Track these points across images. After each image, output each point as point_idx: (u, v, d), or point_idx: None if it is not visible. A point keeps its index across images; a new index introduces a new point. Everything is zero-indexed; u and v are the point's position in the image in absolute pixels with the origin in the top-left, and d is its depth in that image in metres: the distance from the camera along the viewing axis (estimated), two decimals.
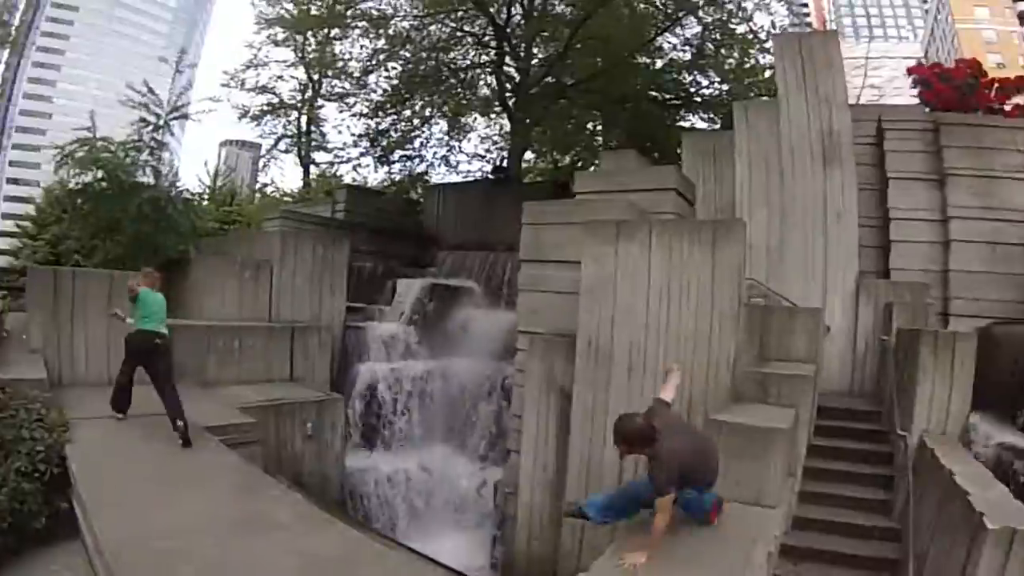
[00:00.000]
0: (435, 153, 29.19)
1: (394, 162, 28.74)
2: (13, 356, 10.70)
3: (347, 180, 34.29)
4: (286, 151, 36.60)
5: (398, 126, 27.71)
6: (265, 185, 39.19)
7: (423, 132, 28.38)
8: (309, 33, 33.60)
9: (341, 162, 34.40)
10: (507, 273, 18.82)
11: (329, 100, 34.58)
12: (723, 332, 9.26)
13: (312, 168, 37.60)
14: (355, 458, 14.57)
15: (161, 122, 18.55)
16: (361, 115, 29.37)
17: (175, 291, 15.17)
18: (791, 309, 12.06)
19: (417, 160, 29.13)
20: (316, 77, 35.05)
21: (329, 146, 36.26)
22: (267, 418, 11.86)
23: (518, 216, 14.05)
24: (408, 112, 27.50)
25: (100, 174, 16.99)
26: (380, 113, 28.03)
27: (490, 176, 28.20)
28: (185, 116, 20.43)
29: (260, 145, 53.94)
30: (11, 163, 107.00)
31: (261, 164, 37.48)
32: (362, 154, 28.84)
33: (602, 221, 10.31)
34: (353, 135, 30.30)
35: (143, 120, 18.44)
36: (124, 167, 17.23)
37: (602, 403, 9.84)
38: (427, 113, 27.77)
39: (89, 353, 11.57)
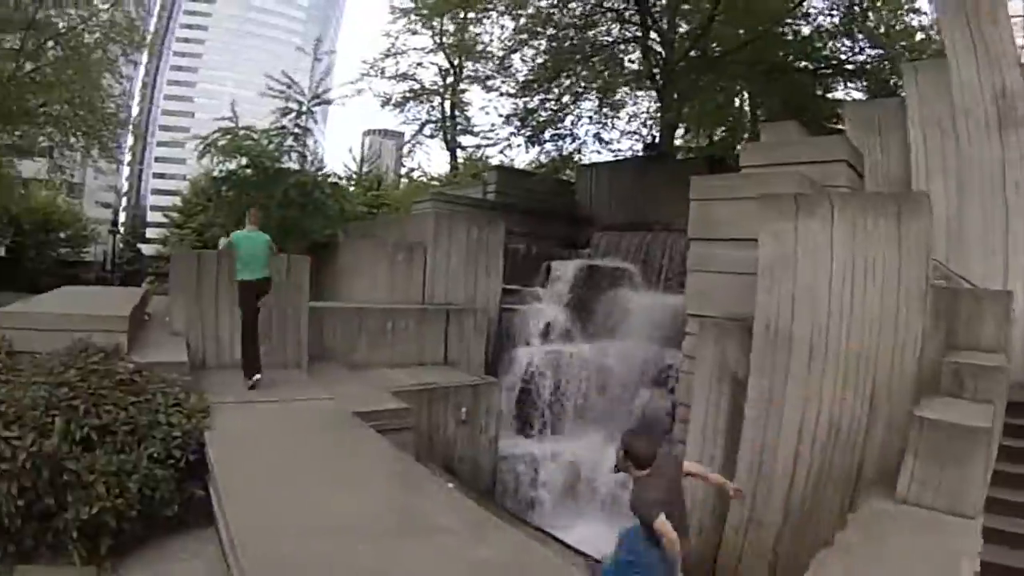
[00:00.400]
0: (587, 131, 28.65)
1: (545, 141, 27.99)
2: (154, 339, 10.27)
3: (494, 162, 34.26)
4: (431, 136, 37.15)
5: (547, 104, 26.98)
6: (412, 170, 39.70)
7: (574, 109, 27.58)
8: (446, 18, 33.93)
9: (488, 144, 34.63)
10: (665, 254, 18.13)
11: (473, 83, 34.72)
12: (910, 315, 8.44)
13: (458, 152, 37.80)
14: (508, 443, 14.25)
15: (304, 108, 18.65)
16: (508, 95, 29.13)
17: (323, 274, 15.61)
18: (977, 291, 10.84)
19: (569, 139, 28.37)
20: (456, 61, 35.26)
21: (475, 129, 36.63)
22: (420, 402, 11.74)
23: (672, 194, 13.40)
24: (556, 90, 26.68)
25: (244, 161, 17.31)
26: (528, 92, 27.44)
27: (642, 154, 27.23)
28: (327, 101, 20.84)
29: (403, 134, 55.12)
30: (157, 159, 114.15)
31: (406, 150, 37.96)
32: (512, 134, 28.45)
33: (779, 195, 9.51)
34: (501, 115, 29.78)
35: (286, 108, 18.61)
36: (268, 153, 17.53)
37: (779, 392, 9.06)
38: (577, 89, 26.87)
39: (233, 336, 10.90)
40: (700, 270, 11.74)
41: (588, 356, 15.88)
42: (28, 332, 8.07)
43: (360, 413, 9.03)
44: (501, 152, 31.17)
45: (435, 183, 37.73)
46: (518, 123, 27.80)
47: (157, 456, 6.62)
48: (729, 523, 9.52)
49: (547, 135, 27.63)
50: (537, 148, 28.88)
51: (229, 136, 17.55)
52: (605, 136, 29.16)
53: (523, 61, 28.49)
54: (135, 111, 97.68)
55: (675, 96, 23.87)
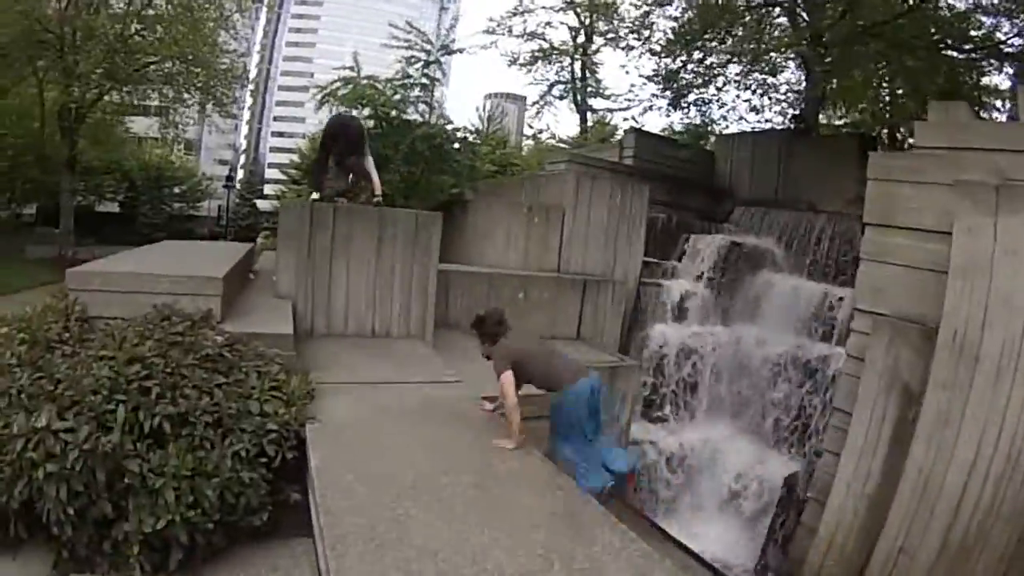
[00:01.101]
0: (736, 97, 27.02)
1: (688, 106, 26.66)
2: (256, 303, 9.21)
3: (624, 127, 33.37)
4: (560, 98, 36.39)
5: (689, 67, 25.51)
6: (540, 131, 38.82)
7: (721, 73, 25.86)
8: None
9: (621, 109, 33.80)
10: (813, 237, 17.03)
11: (606, 44, 33.66)
12: None
13: (588, 115, 36.86)
14: (635, 427, 13.22)
15: (432, 58, 17.87)
16: (652, 52, 27.52)
17: (450, 235, 14.66)
18: None
19: (716, 104, 26.90)
20: (588, 21, 34.40)
21: (606, 92, 35.71)
22: None
23: (818, 172, 12.22)
24: (700, 52, 25.14)
25: (366, 112, 16.67)
26: (670, 52, 25.86)
27: (789, 126, 25.53)
28: (456, 51, 20.14)
29: (525, 97, 54.54)
30: (276, 118, 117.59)
31: (534, 111, 37.13)
32: (654, 95, 27.17)
33: (977, 183, 8.43)
34: (641, 76, 28.46)
35: (412, 58, 17.83)
36: (393, 103, 16.91)
37: (957, 411, 8.04)
38: (724, 54, 25.23)
39: (350, 301, 9.98)
40: (875, 260, 10.36)
41: (725, 340, 15.03)
42: (105, 295, 7.15)
43: (491, 398, 7.69)
44: (635, 116, 30.26)
45: (563, 146, 36.99)
46: (661, 84, 26.44)
47: (245, 455, 5.45)
48: (877, 551, 8.65)
49: (691, 99, 26.25)
50: (679, 112, 27.68)
51: (351, 86, 17.07)
52: (756, 103, 27.46)
53: (664, 19, 27.00)
54: (253, 70, 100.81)
55: (826, 67, 22.03)
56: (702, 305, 15.58)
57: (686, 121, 28.55)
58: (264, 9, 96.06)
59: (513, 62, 35.31)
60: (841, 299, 13.84)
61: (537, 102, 36.67)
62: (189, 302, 7.20)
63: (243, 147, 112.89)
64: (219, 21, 32.28)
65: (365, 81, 17.15)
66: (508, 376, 6.45)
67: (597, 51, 35.40)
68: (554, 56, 35.35)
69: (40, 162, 33.07)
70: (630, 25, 29.57)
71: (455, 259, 14.90)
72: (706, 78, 25.40)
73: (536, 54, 34.97)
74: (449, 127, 18.07)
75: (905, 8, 19.74)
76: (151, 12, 30.54)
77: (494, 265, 14.39)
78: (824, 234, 16.84)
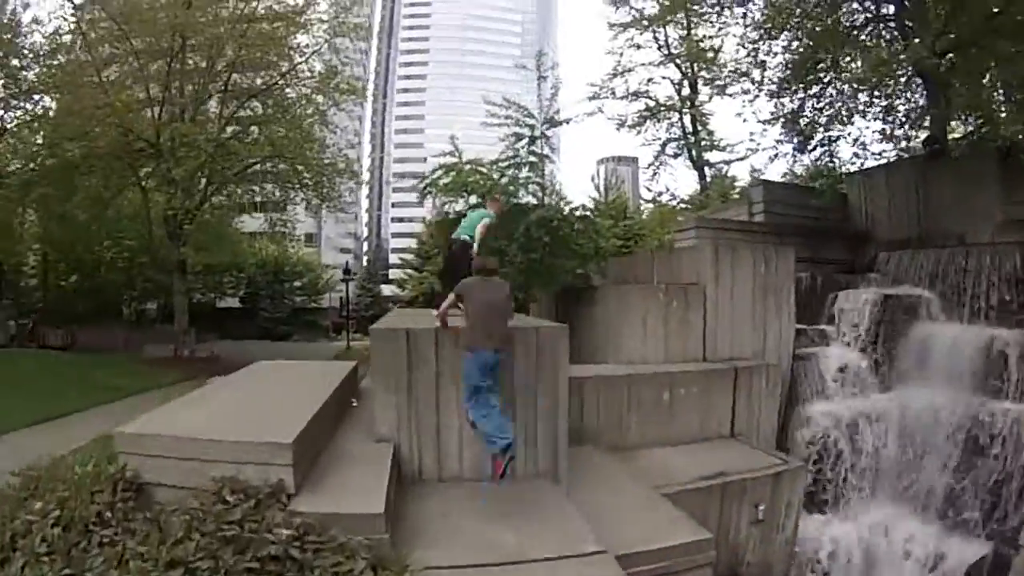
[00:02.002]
0: (867, 127, 25.66)
1: (814, 147, 25.26)
2: (347, 452, 7.94)
3: (742, 177, 33.01)
4: (675, 155, 35.66)
5: (809, 103, 24.69)
6: (660, 194, 38.26)
7: (847, 103, 24.33)
8: (669, 27, 33.61)
9: (740, 159, 33.88)
10: (968, 275, 15.95)
11: (713, 93, 33.30)
12: None
13: (706, 169, 36.38)
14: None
15: (536, 133, 17.06)
16: (769, 94, 26.50)
17: (580, 327, 14.15)
18: None
19: (846, 139, 25.07)
20: (690, 72, 34.26)
21: (721, 143, 35.23)
22: (708, 503, 9.93)
23: (961, 197, 11.44)
24: (817, 86, 24.33)
25: (473, 199, 16.09)
26: (785, 91, 25.13)
27: (919, 153, 23.86)
28: (562, 122, 18.27)
29: (636, 159, 54.34)
30: (394, 204, 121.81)
31: (650, 172, 36.54)
32: (779, 141, 25.79)
33: None
34: (760, 122, 27.44)
35: (515, 135, 17.17)
36: (501, 187, 16.29)
37: None
38: (848, 77, 24.01)
39: (464, 438, 8.56)
40: None
41: (887, 409, 14.15)
42: (158, 460, 6.31)
43: (639, 555, 7.16)
44: (753, 165, 29.34)
45: (684, 206, 36.49)
46: (783, 127, 25.44)
47: None
48: None
49: (818, 138, 24.95)
50: (807, 156, 26.14)
51: (453, 172, 16.58)
52: (888, 131, 24.94)
53: (770, 55, 26.45)
54: (367, 160, 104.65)
55: (944, 77, 20.80)
56: (860, 371, 14.82)
57: (807, 163, 27.48)
58: (370, 100, 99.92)
59: (621, 125, 34.87)
60: (1007, 345, 13.11)
61: (652, 163, 35.72)
62: (255, 472, 6.11)
63: (364, 235, 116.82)
64: (316, 117, 33.64)
65: (468, 166, 16.69)
66: (448, 299, 8.33)
67: (704, 102, 35.00)
68: (662, 113, 34.94)
69: (154, 263, 35.15)
70: (737, 67, 29.34)
71: (587, 356, 13.92)
72: (830, 113, 24.35)
73: (643, 114, 34.66)
74: (567, 207, 17.42)
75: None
76: (247, 112, 32.43)
77: (631, 359, 13.32)
78: (980, 270, 15.73)
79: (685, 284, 14.28)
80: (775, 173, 30.23)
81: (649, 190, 36.75)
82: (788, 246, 15.45)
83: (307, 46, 32.88)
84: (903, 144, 24.61)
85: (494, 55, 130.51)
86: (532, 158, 17.07)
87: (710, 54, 32.15)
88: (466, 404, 8.01)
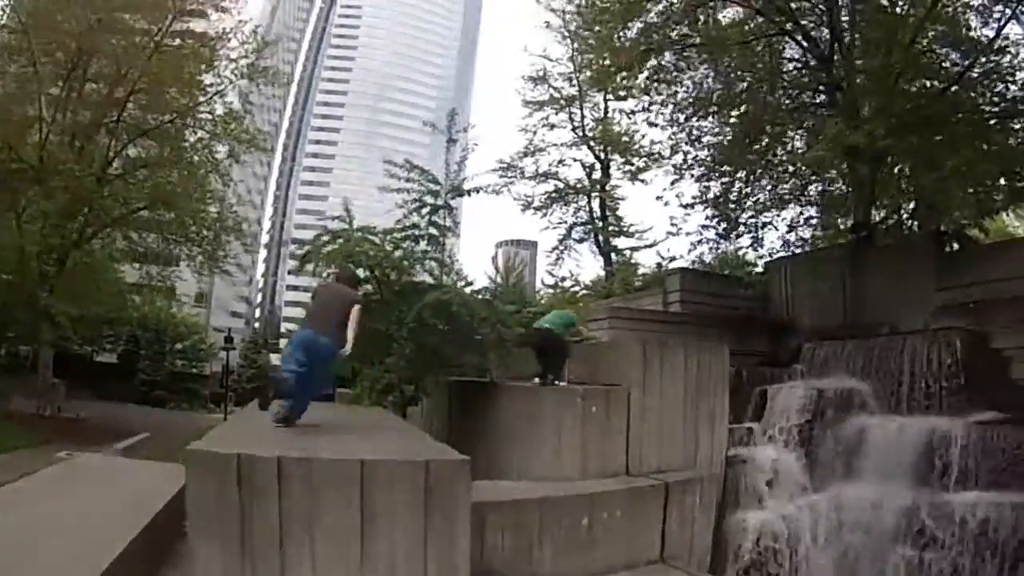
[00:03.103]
0: (799, 214, 25.29)
1: (741, 234, 24.97)
2: None
3: (646, 264, 33.64)
4: (580, 240, 35.37)
5: (737, 187, 24.45)
6: (562, 279, 37.07)
7: (773, 188, 24.64)
8: (586, 109, 33.75)
9: (647, 245, 33.91)
10: (904, 365, 15.37)
11: (630, 179, 33.55)
12: None
13: (612, 256, 35.72)
14: None
15: (440, 201, 14.57)
16: (695, 177, 26.05)
17: (480, 432, 12.07)
18: None
19: (773, 226, 25.17)
20: (603, 155, 34.09)
21: (630, 228, 34.97)
22: None
23: (892, 285, 10.70)
24: (743, 172, 24.07)
25: (361, 273, 13.31)
26: (715, 171, 24.72)
27: (846, 240, 23.17)
28: (472, 191, 15.60)
29: (536, 243, 53.85)
30: (290, 271, 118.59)
31: (554, 257, 35.58)
32: (704, 226, 25.47)
33: None
34: (682, 206, 26.55)
35: (416, 200, 14.54)
36: (394, 262, 13.87)
37: None
38: (767, 167, 24.13)
39: None
40: None
41: (825, 511, 13.06)
42: None
43: None
44: (663, 253, 28.81)
45: (586, 292, 35.60)
46: (715, 210, 24.94)
47: None
48: None
49: (743, 224, 24.63)
50: (731, 242, 25.85)
51: (340, 239, 13.78)
52: (815, 220, 25.80)
53: (698, 139, 26.16)
54: (267, 222, 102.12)
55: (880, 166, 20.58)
56: (794, 472, 13.82)
57: (721, 251, 26.93)
58: (278, 160, 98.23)
59: (527, 206, 34.59)
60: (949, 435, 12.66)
61: (556, 247, 35.15)
62: None
63: (258, 300, 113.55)
64: (210, 166, 31.03)
65: (358, 234, 13.86)
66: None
67: (618, 186, 34.96)
68: (570, 196, 34.72)
69: (26, 304, 31.26)
70: (660, 150, 29.19)
71: (488, 471, 10.61)
72: (761, 198, 24.30)
73: (552, 195, 34.43)
74: (468, 288, 15.10)
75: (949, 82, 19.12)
76: (138, 151, 29.87)
77: (543, 475, 10.87)
78: (916, 360, 15.23)
79: (607, 386, 12.18)
80: (686, 261, 29.35)
81: (552, 275, 35.78)
82: (709, 338, 14.62)
83: (211, 85, 30.39)
84: (830, 231, 24.36)
85: (406, 122, 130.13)
86: (432, 230, 14.61)
87: (625, 138, 32.17)
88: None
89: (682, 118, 25.75)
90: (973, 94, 19.67)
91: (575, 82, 33.57)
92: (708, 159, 25.16)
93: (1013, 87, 19.48)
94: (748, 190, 24.16)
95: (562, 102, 33.79)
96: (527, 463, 11.20)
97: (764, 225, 24.67)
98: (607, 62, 24.57)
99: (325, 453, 6.34)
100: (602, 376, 12.69)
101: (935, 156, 18.06)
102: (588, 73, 30.02)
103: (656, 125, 27.11)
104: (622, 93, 28.59)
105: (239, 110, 32.11)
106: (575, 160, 35.15)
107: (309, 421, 8.40)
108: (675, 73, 24.19)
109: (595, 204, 34.87)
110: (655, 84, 24.77)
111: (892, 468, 13.07)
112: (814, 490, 13.68)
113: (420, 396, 15.26)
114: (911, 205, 22.30)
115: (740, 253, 27.17)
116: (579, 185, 34.74)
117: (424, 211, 14.46)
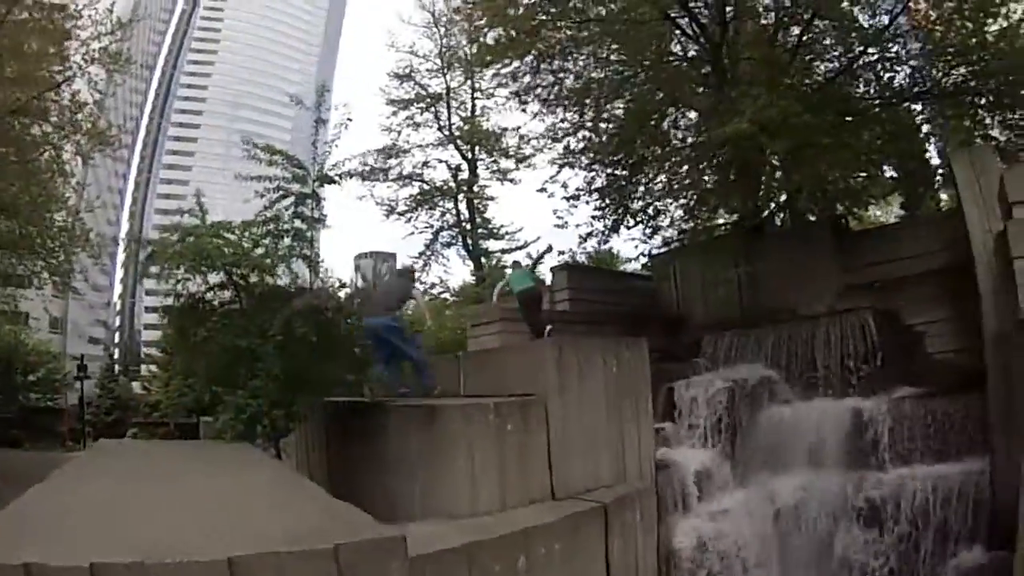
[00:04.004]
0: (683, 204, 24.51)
1: (635, 224, 23.75)
2: None
3: (511, 260, 31.67)
4: (448, 244, 34.68)
5: (624, 174, 23.07)
6: (432, 286, 35.57)
7: (662, 180, 23.24)
8: (453, 107, 33.48)
9: (520, 247, 33.42)
10: (816, 348, 15.31)
11: (499, 179, 33.51)
12: None
13: (483, 259, 34.89)
14: None
15: (308, 188, 12.05)
16: (582, 166, 24.24)
17: (366, 466, 10.51)
18: None
19: (663, 214, 23.89)
20: (470, 155, 33.69)
21: (500, 230, 34.65)
22: None
23: (789, 272, 11.49)
24: (634, 158, 22.48)
25: (216, 277, 11.62)
26: (608, 158, 22.93)
27: (736, 228, 22.29)
28: (337, 179, 12.58)
29: (395, 254, 52.78)
30: (147, 292, 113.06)
31: (421, 263, 34.35)
32: (594, 217, 23.57)
33: None
34: (566, 198, 25.24)
35: (278, 188, 11.98)
36: (255, 261, 11.51)
37: None
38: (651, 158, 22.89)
39: None
40: None
41: (758, 504, 12.51)
42: None
43: None
44: (584, 240, 27.71)
45: (457, 299, 34.54)
46: (600, 200, 23.43)
47: None
48: None
49: (641, 213, 23.44)
50: (622, 233, 24.38)
51: (190, 237, 11.34)
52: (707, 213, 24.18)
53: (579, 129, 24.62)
54: (123, 236, 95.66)
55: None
56: (717, 471, 13.20)
57: (594, 245, 25.97)
58: (136, 164, 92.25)
59: (391, 211, 33.76)
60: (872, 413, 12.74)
61: (423, 252, 34.20)
62: None
63: (116, 324, 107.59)
64: (57, 167, 26.17)
65: (211, 229, 11.58)
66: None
67: (485, 186, 34.54)
68: (436, 198, 34.10)
69: None
70: (540, 138, 27.62)
71: (385, 512, 7.63)
72: (658, 185, 23.29)
73: (417, 198, 33.72)
74: (342, 291, 13.36)
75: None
76: None
77: (455, 512, 9.00)
78: (826, 343, 15.29)
79: (519, 397, 10.43)
80: (568, 256, 28.56)
81: (421, 282, 34.56)
82: (643, 339, 12.66)
83: (59, 71, 26.77)
84: (722, 221, 23.81)
85: (266, 131, 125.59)
86: (298, 222, 12.14)
87: (496, 132, 32.11)
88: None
89: (568, 103, 24.43)
90: (858, 82, 19.80)
91: (443, 76, 33.53)
92: (596, 146, 23.85)
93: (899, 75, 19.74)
94: (639, 177, 23.22)
95: (428, 100, 33.36)
96: (431, 497, 9.37)
97: (659, 213, 23.76)
98: (494, 35, 23.18)
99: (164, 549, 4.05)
100: (510, 385, 10.98)
101: (813, 145, 17.45)
102: (466, 53, 30.01)
103: (538, 114, 25.80)
104: (502, 79, 26.97)
105: (87, 101, 28.83)
106: (440, 161, 34.57)
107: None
108: (564, 58, 23.26)
109: (463, 206, 34.43)
110: (541, 64, 23.75)
111: (821, 453, 12.85)
112: (744, 486, 13.15)
113: (294, 425, 12.11)
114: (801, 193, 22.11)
115: (615, 252, 26.63)
116: (445, 187, 34.11)
117: (287, 201, 12.06)
